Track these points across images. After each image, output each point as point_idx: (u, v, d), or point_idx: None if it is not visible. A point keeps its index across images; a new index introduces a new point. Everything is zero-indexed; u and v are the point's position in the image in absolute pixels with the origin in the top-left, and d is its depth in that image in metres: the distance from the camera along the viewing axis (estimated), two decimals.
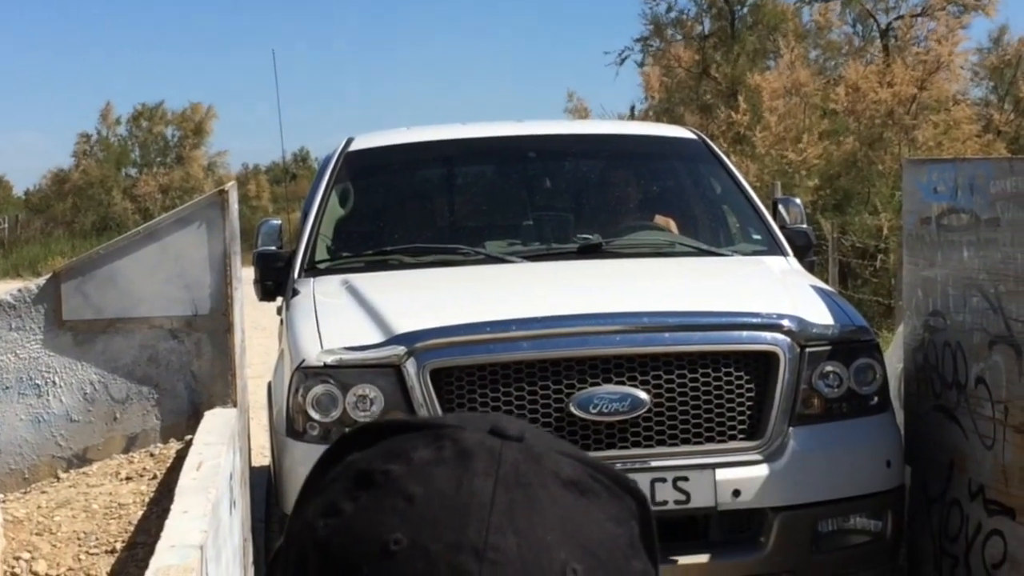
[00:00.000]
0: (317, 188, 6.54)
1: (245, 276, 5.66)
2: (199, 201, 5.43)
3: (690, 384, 4.84)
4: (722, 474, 4.80)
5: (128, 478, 4.88)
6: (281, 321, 6.14)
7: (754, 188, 7.21)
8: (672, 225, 6.44)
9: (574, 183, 7.10)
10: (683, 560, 4.78)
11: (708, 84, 26.20)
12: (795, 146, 21.07)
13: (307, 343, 5.01)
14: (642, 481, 4.70)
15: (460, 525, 0.77)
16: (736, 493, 4.81)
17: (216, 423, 5.00)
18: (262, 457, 7.65)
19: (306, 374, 4.89)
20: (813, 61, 25.65)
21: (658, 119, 23.51)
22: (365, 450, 0.84)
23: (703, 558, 4.83)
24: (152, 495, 4.57)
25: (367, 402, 4.82)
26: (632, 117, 26.92)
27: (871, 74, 21.92)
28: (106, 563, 4.02)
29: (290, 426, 4.96)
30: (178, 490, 3.94)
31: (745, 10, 26.72)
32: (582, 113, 27.82)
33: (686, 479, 4.77)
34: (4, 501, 4.78)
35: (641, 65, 28.13)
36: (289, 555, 0.84)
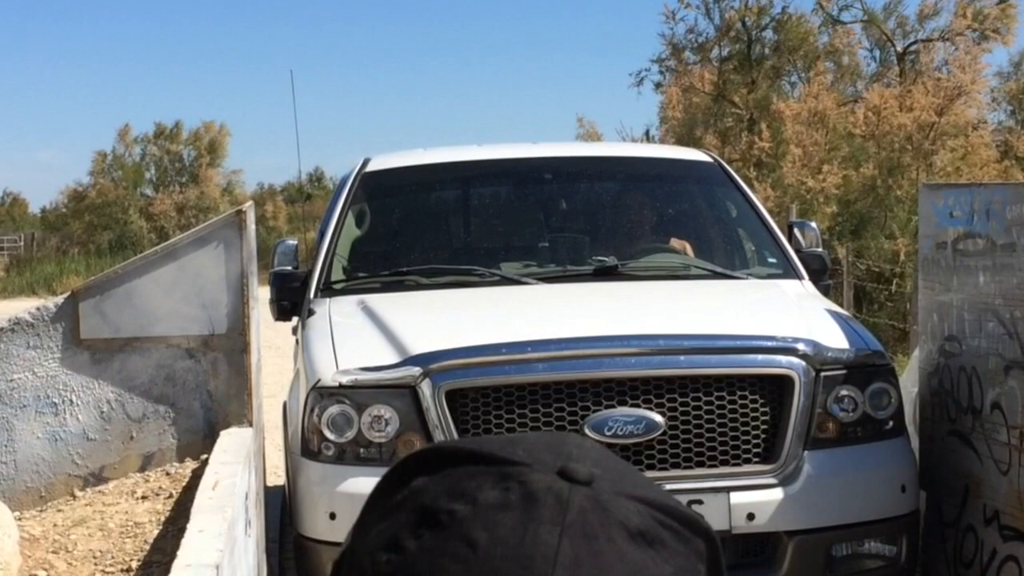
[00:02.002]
0: (333, 208, 6.56)
1: (261, 296, 5.68)
2: (217, 221, 5.46)
3: (705, 407, 4.84)
4: (736, 497, 4.80)
5: (144, 497, 4.90)
6: (297, 341, 6.15)
7: (771, 213, 7.21)
8: (689, 249, 6.43)
9: (590, 205, 7.10)
10: None
11: (727, 108, 26.22)
12: (815, 175, 21.06)
13: (323, 363, 5.01)
14: None
15: None
16: (750, 517, 4.80)
17: (232, 443, 5.02)
18: (276, 477, 7.66)
19: (321, 394, 4.90)
20: (831, 85, 25.65)
21: (678, 143, 23.52)
22: (431, 476, 0.83)
23: None
24: (168, 514, 4.59)
25: (382, 423, 4.83)
26: (648, 140, 26.95)
27: (892, 98, 21.91)
28: None
29: (305, 446, 4.97)
30: (194, 509, 3.95)
31: (768, 32, 26.73)
32: (594, 138, 27.85)
33: (700, 502, 4.76)
34: (21, 519, 4.79)
35: (659, 86, 28.20)
36: None
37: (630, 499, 0.81)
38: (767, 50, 26.93)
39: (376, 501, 0.86)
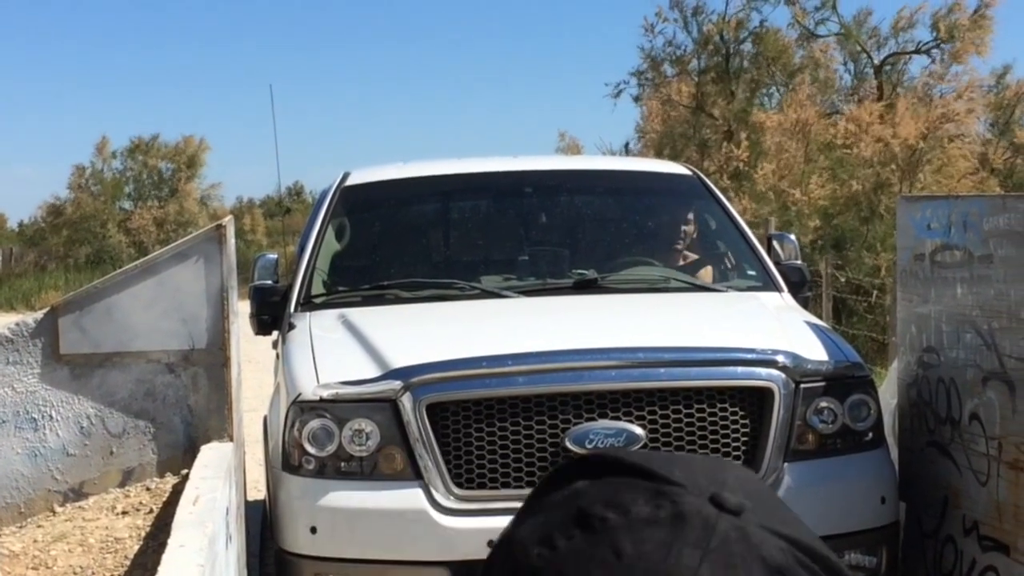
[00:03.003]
0: (313, 222, 6.56)
1: (241, 310, 5.67)
2: (196, 236, 5.45)
3: (685, 419, 4.85)
4: None
5: (124, 512, 4.88)
6: (277, 355, 6.15)
7: (751, 225, 7.23)
8: (709, 273, 6.44)
9: (569, 218, 7.11)
10: None
11: (706, 120, 26.28)
12: (800, 186, 21.11)
13: (303, 377, 5.01)
14: None
15: None
16: None
17: (212, 457, 5.01)
18: (256, 491, 7.65)
19: (302, 408, 4.90)
20: (808, 97, 25.74)
21: (656, 155, 23.56)
22: (592, 481, 0.87)
23: None
24: (148, 529, 4.57)
25: (363, 436, 4.82)
26: (627, 153, 26.99)
27: (875, 111, 21.98)
28: None
29: (286, 460, 4.96)
30: (175, 524, 3.94)
31: (747, 44, 26.80)
32: (575, 152, 27.89)
33: None
34: (0, 535, 4.77)
35: (637, 99, 28.24)
36: (504, 566, 0.87)
37: (775, 535, 0.83)
38: (745, 62, 27.01)
39: (538, 496, 0.91)
